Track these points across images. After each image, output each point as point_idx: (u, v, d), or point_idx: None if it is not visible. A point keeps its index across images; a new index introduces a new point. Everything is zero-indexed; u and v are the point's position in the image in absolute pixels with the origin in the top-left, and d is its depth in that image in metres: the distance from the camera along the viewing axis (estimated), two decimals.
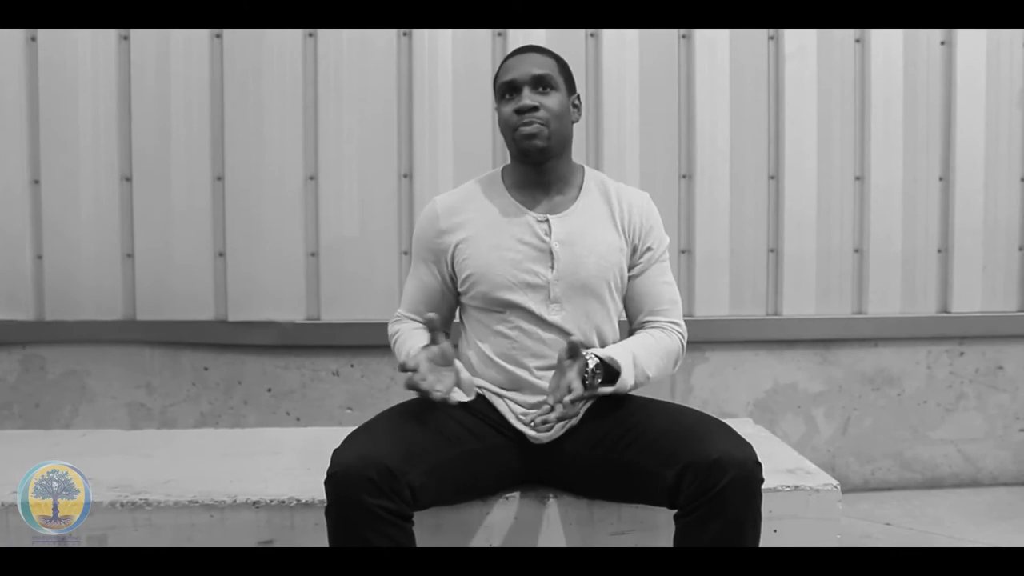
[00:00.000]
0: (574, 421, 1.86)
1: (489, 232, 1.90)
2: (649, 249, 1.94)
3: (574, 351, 1.71)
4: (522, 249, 1.87)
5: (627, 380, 1.78)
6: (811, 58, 3.07)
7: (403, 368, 1.71)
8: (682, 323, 1.96)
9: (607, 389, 1.77)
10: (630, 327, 1.98)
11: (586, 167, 2.00)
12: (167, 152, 2.94)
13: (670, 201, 3.01)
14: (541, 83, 1.86)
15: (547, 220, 1.89)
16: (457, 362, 1.81)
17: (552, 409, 1.69)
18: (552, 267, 1.87)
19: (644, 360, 1.83)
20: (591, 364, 1.75)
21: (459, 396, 1.79)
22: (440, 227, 1.93)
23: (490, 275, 1.87)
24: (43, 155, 2.93)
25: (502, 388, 1.90)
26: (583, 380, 1.71)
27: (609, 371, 1.79)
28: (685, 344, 1.95)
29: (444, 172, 2.96)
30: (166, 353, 3.02)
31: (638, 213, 1.94)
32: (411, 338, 1.91)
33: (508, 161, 1.98)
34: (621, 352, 1.81)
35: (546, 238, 1.88)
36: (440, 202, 1.97)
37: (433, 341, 1.76)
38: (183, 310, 2.97)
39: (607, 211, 1.93)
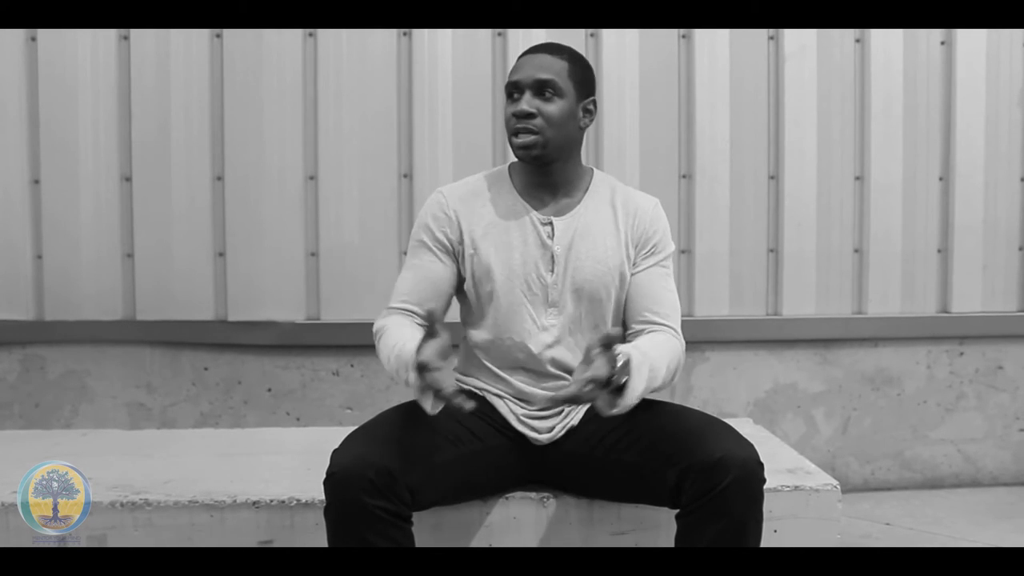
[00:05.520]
0: (574, 421, 1.86)
1: (494, 230, 1.87)
2: (651, 251, 1.88)
3: (608, 343, 1.59)
4: (526, 250, 1.85)
5: (637, 389, 1.64)
6: (811, 58, 3.06)
7: (422, 367, 1.53)
8: (681, 334, 1.85)
9: (614, 410, 1.62)
10: (625, 327, 1.89)
11: (596, 170, 1.97)
12: (167, 152, 2.94)
13: (670, 201, 3.00)
14: (544, 88, 1.81)
15: (551, 222, 1.87)
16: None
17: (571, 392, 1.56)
18: (552, 270, 1.85)
19: (656, 370, 1.70)
20: (620, 361, 1.61)
21: (468, 403, 1.57)
22: (448, 214, 1.88)
23: (493, 274, 1.85)
24: (43, 155, 2.93)
25: (500, 392, 1.89)
26: (610, 373, 1.59)
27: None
28: (683, 357, 1.84)
29: (444, 172, 2.96)
30: (166, 353, 3.02)
31: (644, 217, 1.89)
32: (400, 334, 1.73)
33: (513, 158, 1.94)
34: (640, 359, 1.66)
35: (548, 240, 1.86)
36: (448, 191, 1.91)
37: (431, 334, 1.59)
38: (183, 310, 2.96)
39: (611, 215, 1.89)
